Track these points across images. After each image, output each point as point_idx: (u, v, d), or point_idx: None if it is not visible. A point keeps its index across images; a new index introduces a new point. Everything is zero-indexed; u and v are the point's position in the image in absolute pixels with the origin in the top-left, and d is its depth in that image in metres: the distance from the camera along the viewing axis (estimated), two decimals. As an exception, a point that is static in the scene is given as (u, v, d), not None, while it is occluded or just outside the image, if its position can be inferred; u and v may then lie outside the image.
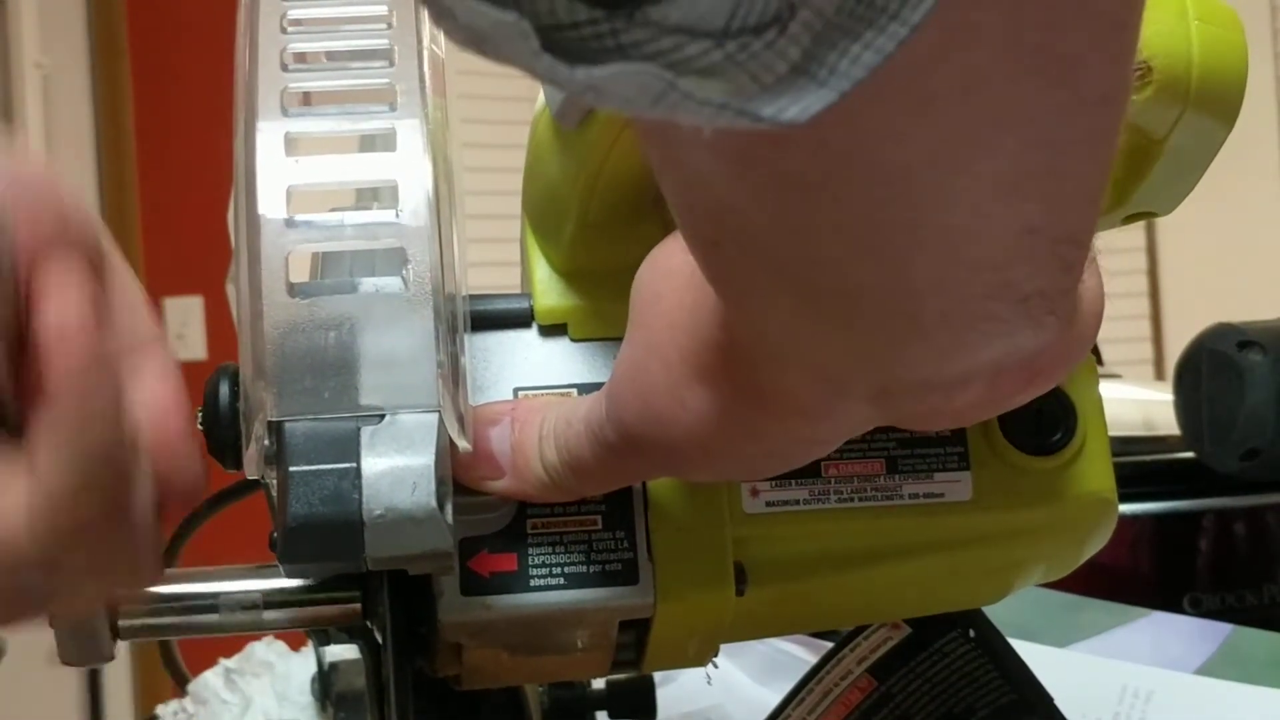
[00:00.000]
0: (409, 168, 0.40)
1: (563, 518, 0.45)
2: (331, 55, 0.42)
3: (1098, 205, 0.32)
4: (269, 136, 0.40)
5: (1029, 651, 0.59)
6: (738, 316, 0.36)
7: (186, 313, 2.93)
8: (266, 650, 0.88)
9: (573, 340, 0.47)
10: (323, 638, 0.67)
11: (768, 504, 0.47)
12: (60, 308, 0.36)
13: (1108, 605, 0.82)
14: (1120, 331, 3.17)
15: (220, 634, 0.46)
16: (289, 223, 0.39)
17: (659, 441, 0.39)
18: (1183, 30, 0.43)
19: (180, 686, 0.89)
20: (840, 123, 0.24)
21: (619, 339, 0.40)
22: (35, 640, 0.44)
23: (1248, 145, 2.74)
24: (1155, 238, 3.28)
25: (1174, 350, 1.96)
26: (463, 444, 0.40)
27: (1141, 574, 0.92)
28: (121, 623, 0.45)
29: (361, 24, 0.43)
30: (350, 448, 0.38)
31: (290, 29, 0.42)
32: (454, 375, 0.40)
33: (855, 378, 0.35)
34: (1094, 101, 0.28)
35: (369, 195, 0.42)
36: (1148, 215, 0.48)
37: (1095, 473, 0.48)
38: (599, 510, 0.45)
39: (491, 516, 0.45)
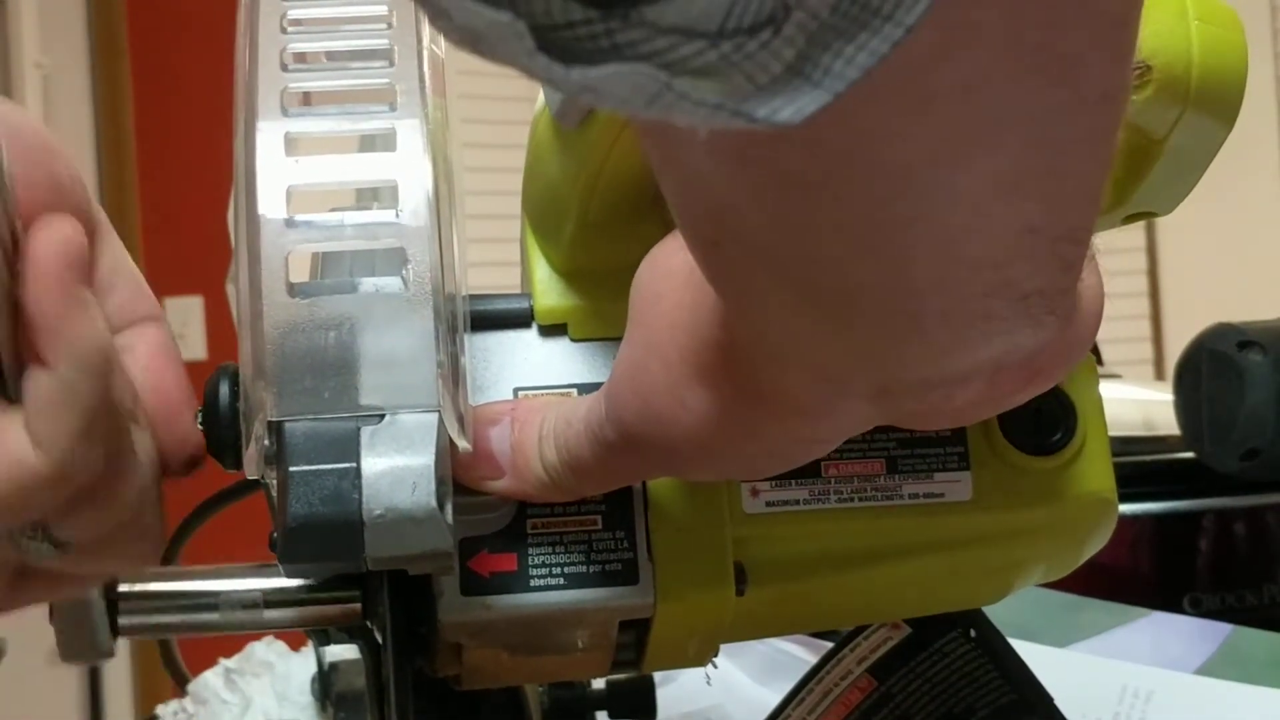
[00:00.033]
0: (409, 168, 0.40)
1: (563, 518, 0.45)
2: (331, 55, 0.42)
3: (1097, 204, 0.32)
4: (269, 136, 0.40)
5: (1029, 651, 0.59)
6: (737, 316, 0.36)
7: (186, 313, 2.92)
8: (266, 650, 0.88)
9: (573, 340, 0.47)
10: (323, 638, 0.67)
11: (768, 504, 0.47)
12: (43, 244, 0.36)
13: (1108, 605, 0.82)
14: (1120, 331, 3.17)
15: (220, 632, 0.46)
16: (289, 223, 0.39)
17: (659, 441, 0.39)
18: (1183, 30, 0.43)
19: (180, 686, 0.89)
20: (837, 122, 0.24)
21: (619, 339, 0.40)
22: (35, 640, 0.44)
23: (1248, 145, 2.74)
24: (1155, 238, 3.28)
25: (1174, 350, 1.96)
26: (463, 444, 0.40)
27: (1141, 574, 0.92)
28: (121, 620, 0.45)
29: (361, 24, 0.43)
30: (350, 448, 0.38)
31: (290, 29, 0.42)
32: (454, 375, 0.40)
33: (855, 377, 0.35)
34: (1094, 100, 0.28)
35: (369, 195, 0.42)
36: (1148, 215, 0.48)
37: (1095, 473, 0.48)
38: (599, 510, 0.45)
39: (491, 516, 0.45)
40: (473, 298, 0.47)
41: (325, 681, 0.73)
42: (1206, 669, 0.79)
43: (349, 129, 0.41)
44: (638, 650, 0.48)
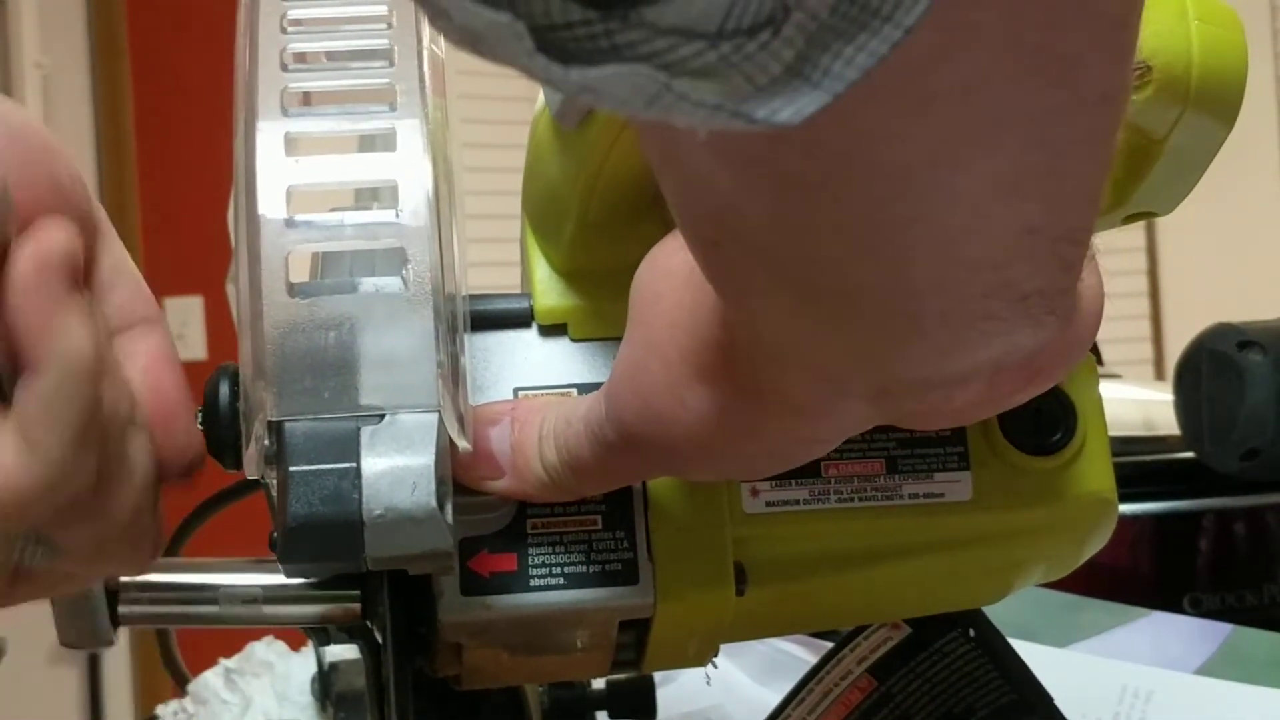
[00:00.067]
0: (409, 168, 0.40)
1: (563, 518, 0.45)
2: (331, 55, 0.42)
3: (1097, 205, 0.32)
4: (269, 136, 0.40)
5: (1029, 651, 0.59)
6: (737, 316, 0.36)
7: (186, 313, 2.92)
8: (266, 650, 0.88)
9: (573, 340, 0.47)
10: (323, 638, 0.67)
11: (768, 504, 0.47)
12: (29, 250, 0.36)
13: (1108, 605, 0.82)
14: (1120, 331, 3.17)
15: (219, 625, 0.46)
16: (289, 223, 0.39)
17: (658, 441, 0.39)
18: (1183, 30, 0.43)
19: (180, 686, 0.89)
20: (837, 123, 0.24)
21: (619, 339, 0.40)
22: (35, 640, 0.44)
23: (1248, 145, 2.74)
24: (1155, 238, 3.28)
25: (1174, 350, 1.96)
26: (463, 444, 0.40)
27: (1141, 574, 0.92)
28: (121, 609, 0.45)
29: (361, 24, 0.43)
30: (350, 448, 0.38)
31: (290, 29, 0.42)
32: (454, 375, 0.40)
33: (855, 377, 0.35)
34: (1094, 101, 0.28)
35: (369, 195, 0.42)
36: (1148, 215, 0.48)
37: (1095, 473, 0.48)
38: (599, 510, 0.45)
39: (491, 516, 0.45)
40: (473, 298, 0.47)
41: (325, 681, 0.73)
42: (1206, 669, 0.79)
43: (349, 129, 0.41)
44: (638, 650, 0.48)
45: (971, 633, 0.58)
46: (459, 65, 0.38)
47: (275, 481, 0.39)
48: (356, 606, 0.45)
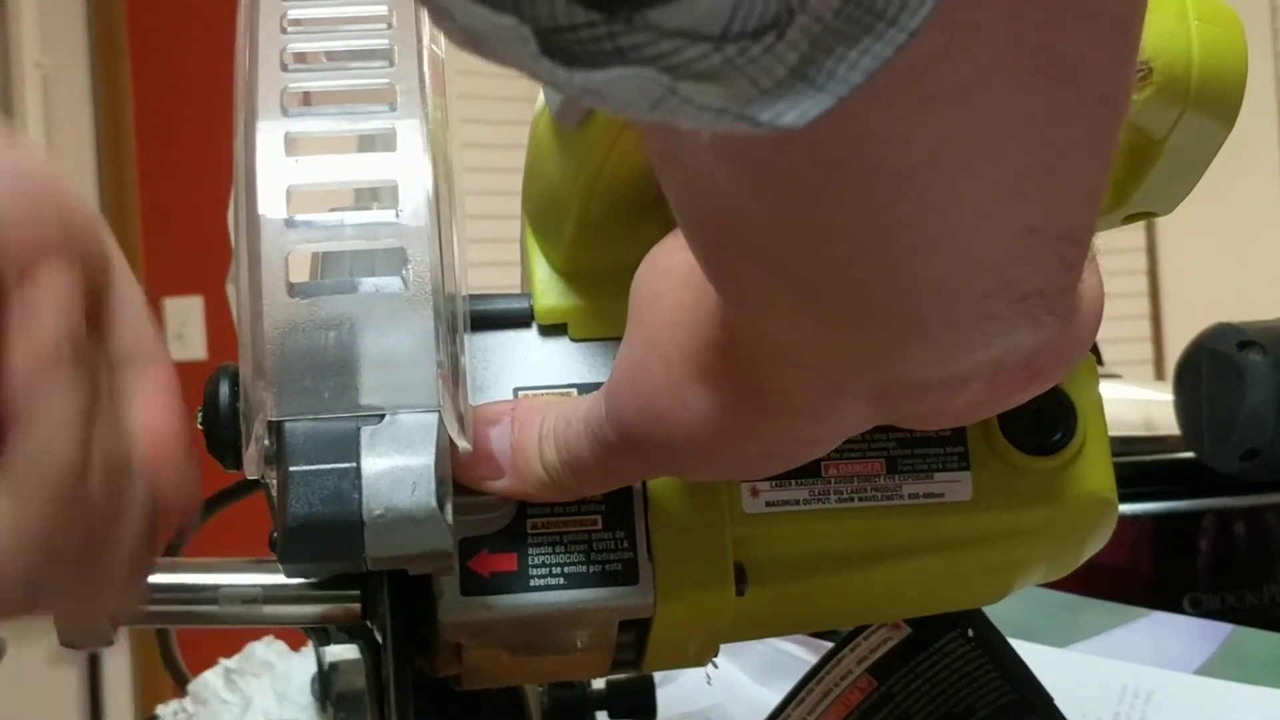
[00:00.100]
0: (409, 168, 0.40)
1: (563, 518, 0.45)
2: (331, 55, 0.42)
3: (1098, 205, 0.32)
4: (269, 136, 0.40)
5: (1029, 651, 0.59)
6: (738, 316, 0.36)
7: (186, 313, 2.93)
8: (266, 650, 0.88)
9: (573, 340, 0.47)
10: (323, 638, 0.67)
11: (768, 504, 0.47)
12: (34, 331, 0.35)
13: (1108, 605, 0.82)
14: (1120, 331, 3.17)
15: (219, 625, 0.46)
16: (289, 223, 0.39)
17: (659, 441, 0.39)
18: (1183, 30, 0.43)
19: (180, 686, 0.89)
20: (840, 126, 0.24)
21: (619, 339, 0.40)
22: (35, 640, 0.44)
23: (1248, 145, 2.74)
24: (1155, 238, 3.28)
25: (1174, 350, 1.96)
26: (463, 444, 0.40)
27: (1141, 574, 0.92)
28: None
29: (361, 24, 0.43)
30: (350, 448, 0.38)
31: (290, 29, 0.42)
32: (454, 375, 0.40)
33: (855, 377, 0.35)
34: (1095, 102, 0.28)
35: (369, 195, 0.42)
36: (1148, 215, 0.48)
37: (1095, 473, 0.48)
38: (599, 510, 0.45)
39: (491, 516, 0.45)
40: (473, 298, 0.47)
41: (325, 681, 0.73)
42: (1206, 669, 0.79)
43: (349, 129, 0.41)
44: (638, 650, 0.48)
45: (971, 633, 0.58)
46: (459, 65, 0.38)
47: (275, 481, 0.39)
48: (356, 606, 0.45)
